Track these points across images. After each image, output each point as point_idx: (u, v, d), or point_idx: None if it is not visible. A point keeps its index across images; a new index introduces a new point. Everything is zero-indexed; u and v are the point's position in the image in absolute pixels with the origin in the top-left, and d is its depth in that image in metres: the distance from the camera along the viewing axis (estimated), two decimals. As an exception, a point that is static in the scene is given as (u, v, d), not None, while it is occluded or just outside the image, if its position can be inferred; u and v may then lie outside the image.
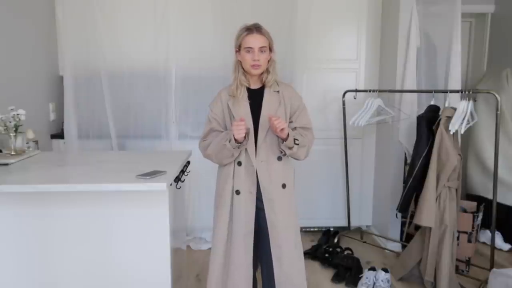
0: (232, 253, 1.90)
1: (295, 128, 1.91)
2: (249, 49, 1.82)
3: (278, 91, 1.92)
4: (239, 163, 1.88)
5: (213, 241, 1.98)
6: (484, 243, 3.30)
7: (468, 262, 2.78)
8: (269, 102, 1.89)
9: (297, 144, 1.82)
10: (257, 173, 1.87)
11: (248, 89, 1.92)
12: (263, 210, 1.89)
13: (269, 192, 1.88)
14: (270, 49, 1.88)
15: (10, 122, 2.12)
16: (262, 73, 1.90)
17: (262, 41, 1.83)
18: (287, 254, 1.89)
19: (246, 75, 1.90)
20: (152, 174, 1.76)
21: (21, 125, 2.18)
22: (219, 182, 1.97)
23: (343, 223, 3.53)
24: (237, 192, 1.89)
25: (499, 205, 2.98)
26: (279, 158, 1.90)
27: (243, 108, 1.89)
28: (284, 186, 1.91)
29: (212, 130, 1.95)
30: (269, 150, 1.88)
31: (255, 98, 1.91)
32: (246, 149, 1.87)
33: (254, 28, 1.84)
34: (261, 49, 1.83)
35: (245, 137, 1.79)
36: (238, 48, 1.88)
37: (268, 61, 1.89)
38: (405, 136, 2.99)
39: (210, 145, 1.90)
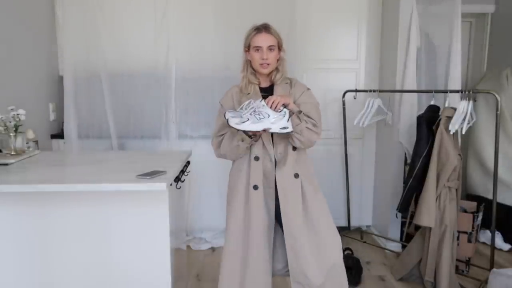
0: (250, 248, 1.85)
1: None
2: (258, 48, 1.84)
3: (287, 83, 1.93)
4: (256, 158, 1.85)
5: (227, 237, 1.95)
6: (484, 243, 3.30)
7: (468, 262, 2.78)
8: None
9: (300, 113, 1.79)
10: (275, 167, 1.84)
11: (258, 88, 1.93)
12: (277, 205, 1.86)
13: (283, 183, 1.83)
14: (279, 48, 1.90)
15: (10, 122, 2.12)
16: (271, 72, 1.91)
17: (271, 40, 1.84)
18: (300, 244, 1.81)
19: (256, 74, 1.92)
20: (152, 174, 1.76)
21: (21, 125, 2.18)
22: (231, 177, 1.96)
23: (343, 223, 3.53)
24: (255, 187, 1.84)
25: (499, 205, 2.97)
26: (294, 148, 1.86)
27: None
28: (296, 175, 1.86)
29: (225, 124, 1.85)
30: (286, 143, 1.85)
31: (266, 93, 1.91)
32: (263, 144, 1.84)
33: (263, 28, 1.86)
34: (270, 48, 1.84)
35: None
36: (248, 48, 1.90)
37: (278, 60, 1.90)
38: (405, 136, 2.99)
39: (222, 145, 1.89)
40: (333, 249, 1.87)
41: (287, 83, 1.93)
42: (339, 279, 1.87)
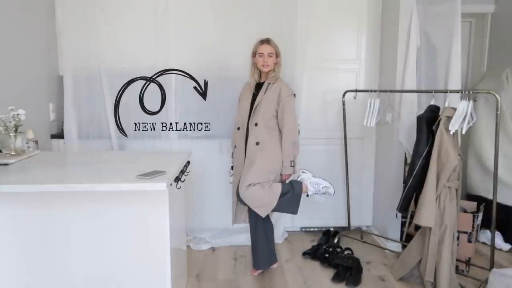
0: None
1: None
2: (261, 54, 2.65)
3: (274, 83, 2.68)
4: (238, 128, 2.78)
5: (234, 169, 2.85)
6: (484, 243, 3.30)
7: (468, 262, 2.78)
8: (264, 91, 2.67)
9: (293, 162, 2.67)
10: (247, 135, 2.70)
11: (258, 83, 2.75)
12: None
13: (249, 146, 2.67)
14: (277, 56, 2.69)
15: (10, 122, 2.13)
16: (269, 71, 2.69)
17: (270, 49, 2.66)
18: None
19: (259, 73, 2.74)
20: (152, 174, 1.76)
21: (21, 125, 2.18)
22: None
23: (343, 223, 3.54)
24: (235, 147, 2.80)
25: (499, 205, 2.97)
26: (256, 124, 2.65)
27: (249, 97, 2.74)
28: (257, 143, 2.63)
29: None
30: (256, 118, 2.65)
31: (260, 88, 2.72)
32: (243, 117, 2.73)
33: (265, 41, 2.67)
34: (269, 54, 2.65)
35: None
36: (254, 54, 2.69)
37: (275, 64, 2.69)
38: (405, 136, 2.99)
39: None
40: (251, 176, 2.59)
41: (274, 83, 2.68)
42: (252, 193, 2.59)
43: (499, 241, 3.26)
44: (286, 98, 2.63)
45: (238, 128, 2.77)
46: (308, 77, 3.36)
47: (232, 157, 2.89)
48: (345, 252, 3.06)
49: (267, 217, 2.75)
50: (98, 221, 1.87)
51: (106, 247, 1.89)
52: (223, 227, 3.36)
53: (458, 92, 2.50)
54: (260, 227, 2.76)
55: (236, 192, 2.76)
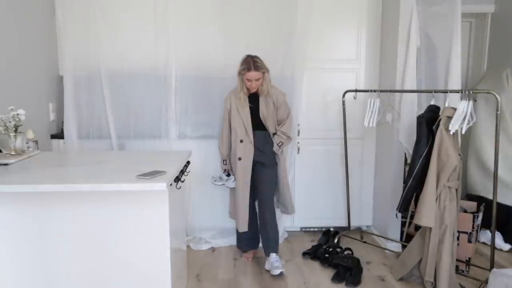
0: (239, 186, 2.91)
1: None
2: (248, 80, 2.71)
3: (268, 95, 2.81)
4: (241, 141, 2.84)
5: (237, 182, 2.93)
6: (484, 243, 3.31)
7: (468, 262, 2.78)
8: (264, 105, 2.84)
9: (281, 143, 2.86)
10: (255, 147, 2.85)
11: (249, 95, 2.84)
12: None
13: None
14: (264, 73, 2.73)
15: (10, 122, 2.13)
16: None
17: (258, 75, 2.70)
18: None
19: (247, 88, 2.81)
20: (152, 174, 1.76)
21: (21, 125, 2.18)
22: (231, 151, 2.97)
23: (343, 223, 3.54)
24: (239, 159, 2.85)
25: (499, 205, 2.98)
26: (273, 134, 2.87)
27: (246, 111, 2.82)
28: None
29: (226, 121, 2.93)
30: (271, 129, 2.88)
31: (253, 100, 2.84)
32: (246, 131, 2.82)
33: (252, 67, 2.68)
34: (257, 79, 2.72)
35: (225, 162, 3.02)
36: (242, 74, 2.72)
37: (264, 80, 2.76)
38: (405, 136, 2.99)
39: (222, 144, 3.00)
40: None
41: (267, 94, 2.81)
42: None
43: (499, 241, 3.26)
44: (283, 102, 2.86)
45: (241, 141, 2.83)
46: (308, 77, 3.36)
47: (225, 164, 3.01)
48: (345, 252, 3.06)
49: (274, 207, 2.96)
50: (98, 221, 1.87)
51: (106, 247, 1.89)
52: (223, 227, 3.36)
53: (458, 92, 2.50)
54: (269, 212, 2.91)
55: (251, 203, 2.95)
